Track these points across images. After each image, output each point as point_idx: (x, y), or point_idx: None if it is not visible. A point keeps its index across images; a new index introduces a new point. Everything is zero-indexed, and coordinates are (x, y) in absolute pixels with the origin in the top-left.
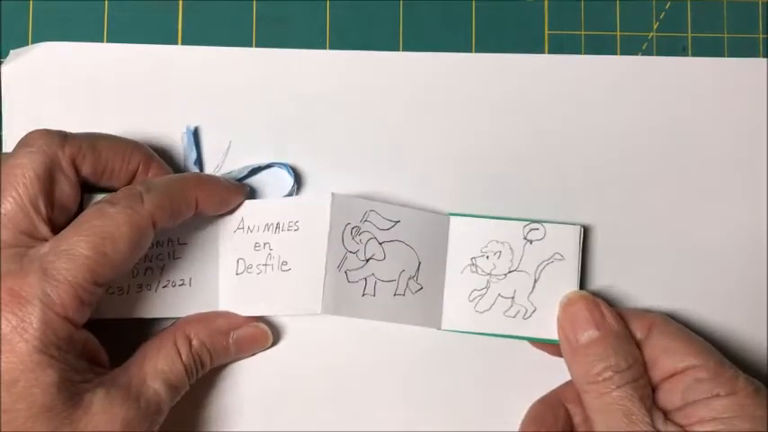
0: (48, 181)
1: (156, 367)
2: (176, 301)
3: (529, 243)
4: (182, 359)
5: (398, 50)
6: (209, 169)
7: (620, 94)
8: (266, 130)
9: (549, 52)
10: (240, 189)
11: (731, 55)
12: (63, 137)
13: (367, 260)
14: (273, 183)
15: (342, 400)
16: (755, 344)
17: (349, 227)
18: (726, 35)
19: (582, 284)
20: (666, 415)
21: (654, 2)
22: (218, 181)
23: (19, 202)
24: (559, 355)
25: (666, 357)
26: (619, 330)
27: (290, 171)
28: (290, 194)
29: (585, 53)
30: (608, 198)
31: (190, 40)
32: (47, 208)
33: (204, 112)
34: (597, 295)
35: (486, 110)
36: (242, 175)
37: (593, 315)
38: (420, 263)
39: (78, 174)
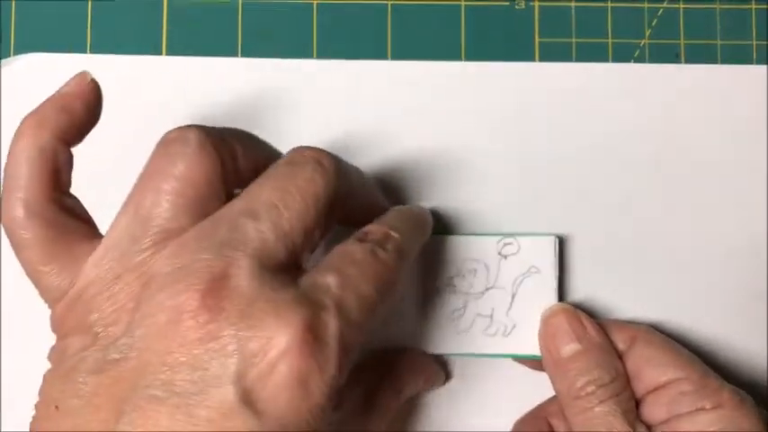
0: (331, 209)
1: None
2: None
3: (503, 258)
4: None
5: (387, 59)
6: None
7: (612, 101)
8: None
9: (540, 60)
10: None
11: (724, 62)
12: (344, 168)
13: None
14: None
15: None
16: (743, 353)
17: None
18: (719, 42)
19: (563, 296)
20: (651, 429)
21: (646, 9)
22: (427, 214)
23: (305, 221)
24: (542, 369)
25: (650, 369)
26: (601, 343)
27: None
28: None
29: (577, 61)
30: (598, 207)
31: (175, 50)
32: (320, 237)
33: (188, 123)
34: (579, 307)
35: (475, 119)
36: None
37: (575, 328)
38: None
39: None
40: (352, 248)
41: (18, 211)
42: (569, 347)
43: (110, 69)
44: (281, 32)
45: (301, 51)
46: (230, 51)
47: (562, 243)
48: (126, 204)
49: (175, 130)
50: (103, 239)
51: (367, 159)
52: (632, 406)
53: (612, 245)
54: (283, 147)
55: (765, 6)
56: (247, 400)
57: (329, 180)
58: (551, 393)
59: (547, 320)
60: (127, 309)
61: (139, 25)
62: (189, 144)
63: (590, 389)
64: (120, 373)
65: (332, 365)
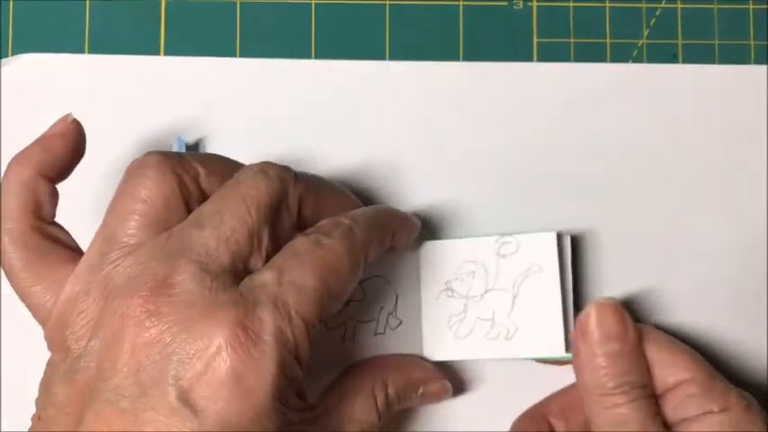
0: (276, 213)
1: (355, 414)
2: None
3: (502, 258)
4: (377, 408)
5: (385, 59)
6: None
7: (611, 101)
8: (249, 143)
9: (538, 60)
10: (418, 224)
11: (722, 61)
12: (295, 173)
13: (347, 302)
14: None
15: None
16: (751, 355)
17: None
18: (717, 42)
19: (566, 294)
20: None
21: (644, 9)
22: (406, 215)
23: (249, 225)
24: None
25: (657, 371)
26: (638, 345)
27: None
28: None
29: (575, 61)
30: (598, 207)
31: (173, 50)
32: (268, 239)
33: (186, 124)
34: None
35: (474, 119)
36: None
37: (619, 325)
38: (397, 296)
39: (299, 214)
40: (296, 242)
41: (4, 240)
42: (611, 344)
43: (107, 70)
44: (279, 33)
45: (299, 51)
46: (228, 52)
47: (561, 240)
48: (99, 227)
49: (138, 157)
50: (81, 259)
51: (365, 159)
52: (657, 409)
53: (611, 245)
54: (283, 146)
55: (763, 6)
56: (186, 400)
57: (272, 186)
58: (543, 393)
59: (592, 312)
60: (92, 321)
61: (137, 25)
62: (148, 168)
63: (625, 388)
64: (84, 381)
65: (270, 362)
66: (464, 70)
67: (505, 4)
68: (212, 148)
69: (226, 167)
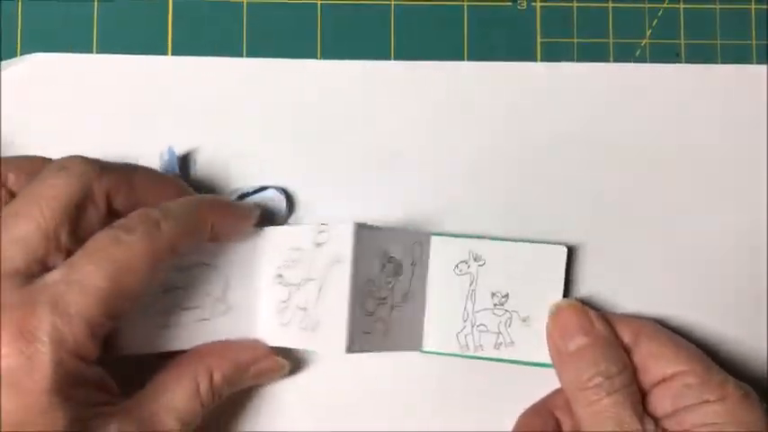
0: (77, 211)
1: (172, 402)
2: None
3: (317, 247)
4: (200, 395)
5: (390, 59)
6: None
7: (613, 101)
8: (255, 141)
9: (542, 60)
10: (252, 213)
11: (724, 61)
12: (101, 167)
13: (166, 290)
14: (264, 206)
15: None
16: (747, 349)
17: None
18: (719, 41)
19: (358, 288)
20: (657, 422)
21: (646, 9)
22: (233, 205)
23: (42, 226)
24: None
25: (655, 363)
26: (608, 336)
27: (283, 194)
28: (281, 220)
29: (578, 61)
30: (600, 205)
31: (180, 50)
32: (68, 237)
33: (193, 124)
34: (585, 303)
35: (477, 118)
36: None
37: (582, 322)
38: (227, 282)
39: (110, 207)
40: (94, 238)
41: None
42: (576, 341)
43: (115, 69)
44: (285, 33)
45: (306, 51)
46: (235, 51)
47: (572, 252)
48: None
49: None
50: None
51: (370, 158)
52: (639, 399)
53: (612, 243)
54: (288, 145)
55: (765, 6)
56: None
57: (72, 183)
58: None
59: (554, 314)
60: None
61: (145, 25)
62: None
63: (597, 380)
64: None
65: (44, 361)
66: (468, 70)
67: (509, 4)
68: (217, 145)
69: (36, 167)
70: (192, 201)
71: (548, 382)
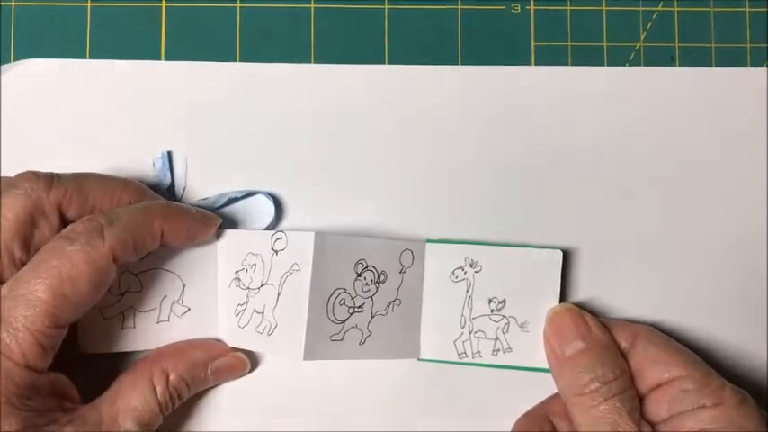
0: (28, 225)
1: (129, 405)
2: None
3: (275, 253)
4: (157, 396)
5: (384, 63)
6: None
7: (608, 104)
8: (250, 146)
9: (536, 64)
10: (211, 221)
11: (719, 64)
12: (50, 180)
13: (122, 294)
14: (253, 211)
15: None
16: (744, 353)
17: None
18: (713, 45)
19: (321, 295)
20: (654, 427)
21: (641, 12)
22: (188, 212)
23: None
24: None
25: (652, 368)
26: (605, 341)
27: (271, 199)
28: (270, 226)
29: (572, 64)
30: (595, 209)
31: (173, 55)
32: (21, 251)
33: (187, 128)
34: (581, 307)
35: (472, 122)
36: (218, 205)
37: (579, 326)
38: (184, 285)
39: (63, 218)
40: (42, 249)
41: None
42: (573, 345)
43: (108, 74)
44: (279, 37)
45: (299, 56)
46: (229, 56)
47: (567, 256)
48: None
49: None
50: None
51: (364, 163)
52: (636, 404)
53: (610, 246)
54: (283, 149)
55: (758, 9)
56: None
57: (21, 200)
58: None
59: (551, 319)
60: None
61: (138, 30)
62: None
63: (594, 386)
64: None
65: None
66: (462, 74)
67: (503, 8)
68: (212, 150)
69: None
70: (140, 207)
71: (544, 387)
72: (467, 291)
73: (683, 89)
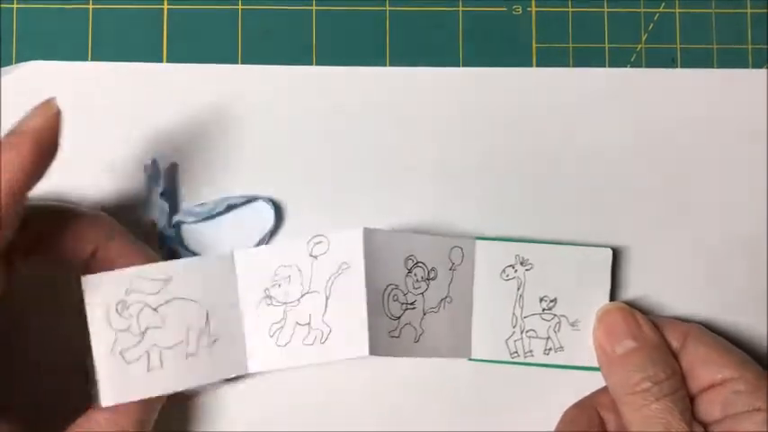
0: None
1: None
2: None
3: (315, 259)
4: None
5: (385, 65)
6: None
7: (609, 106)
8: (250, 148)
9: (537, 65)
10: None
11: (720, 66)
12: None
13: (143, 332)
14: (252, 218)
15: None
16: (751, 354)
17: (113, 305)
18: (715, 46)
19: (374, 291)
20: (706, 428)
21: (642, 14)
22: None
23: None
24: None
25: (703, 368)
26: (656, 341)
27: (271, 205)
28: (269, 232)
29: (574, 66)
30: (597, 211)
31: (176, 57)
32: None
33: (188, 131)
34: (631, 306)
35: (473, 124)
36: (218, 210)
37: (630, 325)
38: (208, 313)
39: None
40: None
41: None
42: (624, 344)
43: (110, 76)
44: (281, 39)
45: (301, 58)
46: (230, 58)
47: (618, 253)
48: None
49: None
50: None
51: (365, 165)
52: (688, 405)
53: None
54: (284, 151)
55: (760, 11)
56: None
57: None
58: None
59: (602, 318)
60: None
61: (140, 32)
62: None
63: (645, 385)
64: None
65: None
66: (464, 76)
67: (504, 9)
68: (213, 152)
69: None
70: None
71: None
72: (518, 289)
73: (685, 90)
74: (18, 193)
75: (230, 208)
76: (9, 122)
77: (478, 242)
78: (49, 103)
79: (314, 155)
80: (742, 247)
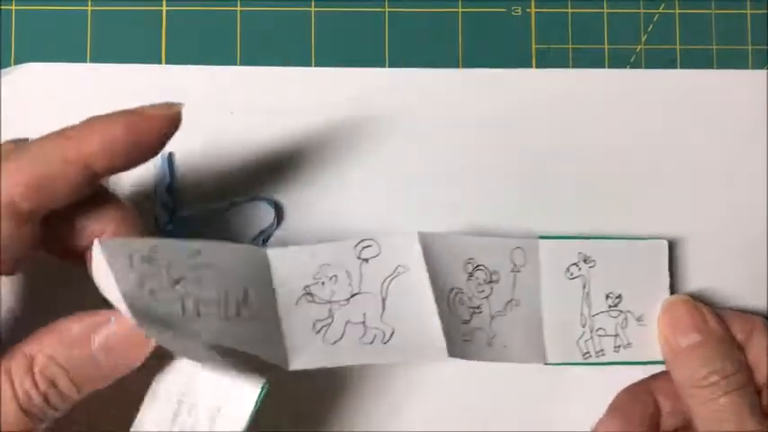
0: None
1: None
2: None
3: (365, 262)
4: (15, 394)
5: (384, 67)
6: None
7: (609, 107)
8: (249, 149)
9: (537, 66)
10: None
11: (720, 67)
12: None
13: (177, 281)
14: (253, 216)
15: None
16: None
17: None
18: (714, 47)
19: (441, 293)
20: None
21: (642, 14)
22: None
23: None
24: None
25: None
26: (722, 334)
27: (272, 205)
28: (269, 232)
29: (573, 67)
30: (597, 212)
31: (174, 59)
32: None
33: (188, 132)
34: (693, 298)
35: (473, 126)
36: (219, 209)
37: (695, 318)
38: (246, 288)
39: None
40: None
41: None
42: (689, 337)
43: (109, 78)
44: (279, 40)
45: (300, 59)
46: (229, 60)
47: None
48: None
49: None
50: None
51: (364, 166)
52: (756, 399)
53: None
54: (283, 153)
55: (760, 11)
56: None
57: None
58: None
59: (666, 310)
60: None
61: (139, 34)
62: None
63: (713, 379)
64: None
65: None
66: (463, 77)
67: (504, 10)
68: (213, 153)
69: None
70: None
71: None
72: (583, 287)
73: (685, 91)
74: (100, 163)
75: (233, 205)
76: (9, 124)
77: (541, 241)
78: (175, 104)
79: (313, 156)
80: (741, 247)
